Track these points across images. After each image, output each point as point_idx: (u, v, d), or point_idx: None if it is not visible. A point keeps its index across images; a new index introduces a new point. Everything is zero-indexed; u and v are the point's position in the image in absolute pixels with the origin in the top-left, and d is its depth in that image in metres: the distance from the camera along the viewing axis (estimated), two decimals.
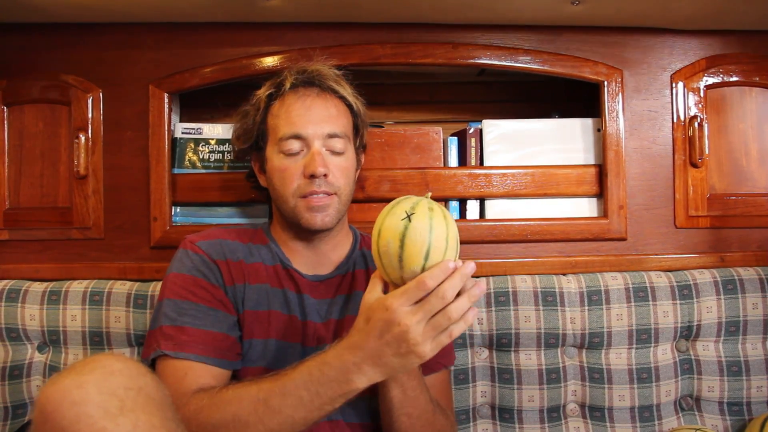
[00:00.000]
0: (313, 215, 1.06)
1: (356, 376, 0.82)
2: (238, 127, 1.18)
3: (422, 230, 0.78)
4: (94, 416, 0.65)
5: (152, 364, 1.00)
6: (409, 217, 0.79)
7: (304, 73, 1.11)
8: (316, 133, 1.07)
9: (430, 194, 0.85)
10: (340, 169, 1.08)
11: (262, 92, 1.13)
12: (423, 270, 0.78)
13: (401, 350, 0.79)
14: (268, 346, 1.05)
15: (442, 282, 0.76)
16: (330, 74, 1.12)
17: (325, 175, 1.05)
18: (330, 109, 1.09)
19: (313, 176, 1.04)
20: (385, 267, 0.81)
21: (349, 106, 1.14)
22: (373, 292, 0.83)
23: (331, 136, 1.08)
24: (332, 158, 1.08)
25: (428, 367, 1.09)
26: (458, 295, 0.78)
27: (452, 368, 1.24)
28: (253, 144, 1.15)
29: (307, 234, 1.11)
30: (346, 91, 1.13)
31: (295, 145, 1.07)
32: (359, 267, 1.15)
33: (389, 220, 0.81)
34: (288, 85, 1.10)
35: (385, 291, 0.84)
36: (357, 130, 1.16)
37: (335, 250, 1.15)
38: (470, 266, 0.78)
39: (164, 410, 0.71)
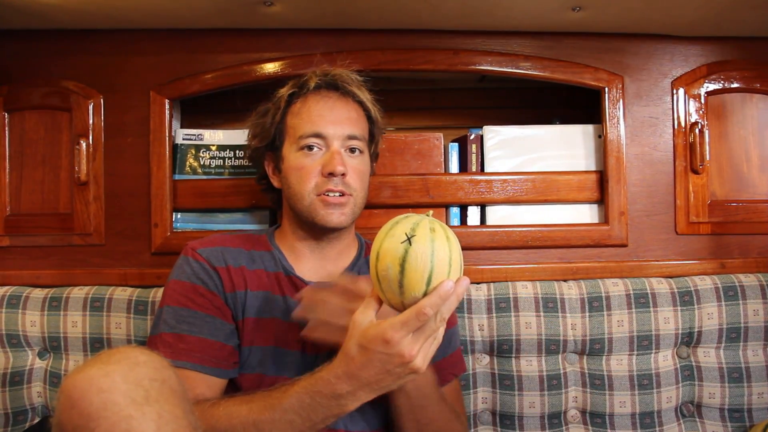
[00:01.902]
0: (329, 212, 1.06)
1: (349, 401, 0.82)
2: (256, 125, 1.18)
3: (423, 254, 0.74)
4: (121, 404, 0.66)
5: None
6: (409, 239, 0.74)
7: (328, 76, 1.13)
8: (336, 133, 1.08)
9: (431, 212, 0.81)
10: (356, 171, 1.09)
11: (285, 91, 1.14)
12: (425, 295, 0.75)
13: (402, 374, 0.79)
14: (268, 353, 1.05)
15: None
16: (352, 79, 1.14)
17: (343, 175, 1.06)
18: (350, 111, 1.11)
19: (331, 174, 1.05)
20: (384, 291, 0.78)
21: (367, 111, 1.15)
22: (366, 314, 0.81)
23: (351, 137, 1.09)
24: (350, 159, 1.09)
25: (441, 378, 1.11)
26: None
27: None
28: (269, 143, 1.15)
29: (318, 234, 1.11)
30: (366, 97, 1.15)
31: (314, 144, 1.08)
32: (364, 275, 1.15)
33: (388, 243, 0.76)
34: (312, 85, 1.11)
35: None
36: (372, 137, 1.18)
37: (341, 257, 1.15)
38: (465, 284, 0.76)
39: (185, 403, 0.72)
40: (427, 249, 0.74)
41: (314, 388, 0.84)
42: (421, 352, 0.78)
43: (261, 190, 1.25)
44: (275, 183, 1.17)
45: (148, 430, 0.65)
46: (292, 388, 0.86)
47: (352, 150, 1.10)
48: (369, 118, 1.16)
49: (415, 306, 0.75)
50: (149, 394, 0.68)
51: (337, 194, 1.06)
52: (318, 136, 1.08)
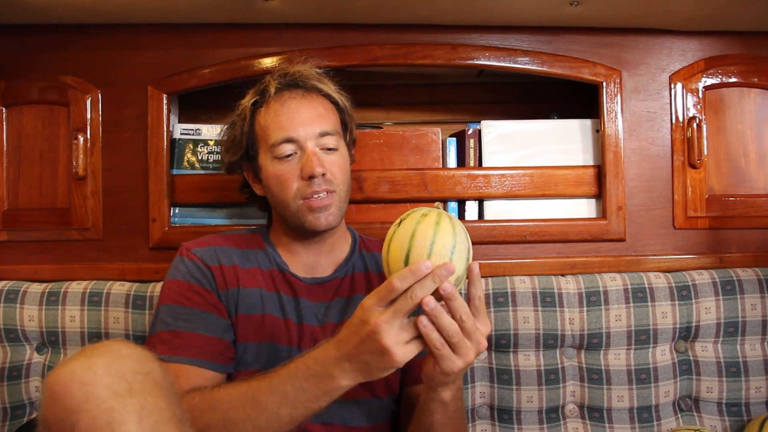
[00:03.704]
0: (316, 216, 1.06)
1: (337, 371, 0.82)
2: (226, 139, 1.17)
3: (404, 234, 0.79)
4: (102, 396, 0.65)
5: None
6: (399, 223, 0.81)
7: (286, 76, 1.11)
8: (307, 134, 1.06)
9: (438, 204, 0.85)
10: (336, 166, 1.08)
11: (247, 101, 1.12)
12: None
13: (374, 349, 0.78)
14: (262, 350, 1.05)
15: (413, 284, 0.75)
16: (311, 74, 1.12)
17: (323, 174, 1.05)
18: (317, 108, 1.09)
19: (311, 177, 1.04)
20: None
21: (335, 102, 1.14)
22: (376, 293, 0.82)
23: (323, 134, 1.07)
24: (327, 156, 1.08)
25: (415, 377, 1.09)
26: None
27: None
28: (243, 154, 1.14)
29: (309, 235, 1.11)
30: (330, 89, 1.13)
31: (288, 149, 1.06)
32: (358, 270, 1.15)
33: (390, 230, 0.82)
34: (273, 91, 1.09)
35: None
36: (345, 126, 1.16)
37: (333, 251, 1.15)
38: (447, 268, 0.76)
39: (170, 395, 0.72)
40: (408, 230, 0.79)
41: (310, 354, 0.85)
42: (389, 328, 0.77)
43: (245, 199, 1.23)
44: (257, 191, 1.16)
45: (130, 421, 0.65)
46: (292, 360, 0.87)
47: (327, 147, 1.08)
48: (338, 108, 1.14)
49: (387, 278, 0.77)
50: (132, 386, 0.68)
51: (322, 194, 1.05)
52: (290, 141, 1.06)
